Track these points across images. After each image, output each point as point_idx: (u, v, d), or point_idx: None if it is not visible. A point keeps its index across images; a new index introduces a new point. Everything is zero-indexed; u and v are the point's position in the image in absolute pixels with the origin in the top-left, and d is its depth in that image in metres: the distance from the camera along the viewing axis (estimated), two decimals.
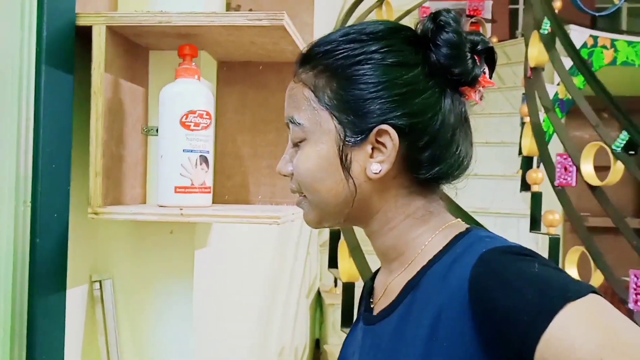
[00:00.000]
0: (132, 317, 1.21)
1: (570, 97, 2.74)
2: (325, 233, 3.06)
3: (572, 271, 2.40)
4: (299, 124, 0.69)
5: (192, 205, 1.03)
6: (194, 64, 1.05)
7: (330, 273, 2.76)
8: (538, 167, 2.98)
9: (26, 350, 0.91)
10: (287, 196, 1.23)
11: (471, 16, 4.53)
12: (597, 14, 4.16)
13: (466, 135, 0.71)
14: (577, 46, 3.86)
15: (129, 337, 1.21)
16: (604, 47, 4.09)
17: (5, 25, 0.90)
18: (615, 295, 2.23)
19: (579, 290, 0.53)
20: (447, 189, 0.73)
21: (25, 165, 0.90)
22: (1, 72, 0.89)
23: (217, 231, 1.34)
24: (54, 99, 0.93)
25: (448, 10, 0.68)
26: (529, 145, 2.91)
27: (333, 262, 2.61)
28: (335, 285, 3.14)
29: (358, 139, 0.66)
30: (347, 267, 1.99)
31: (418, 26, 0.69)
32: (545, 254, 2.61)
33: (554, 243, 2.58)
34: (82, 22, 0.98)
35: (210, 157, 1.06)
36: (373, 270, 0.87)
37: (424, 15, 4.33)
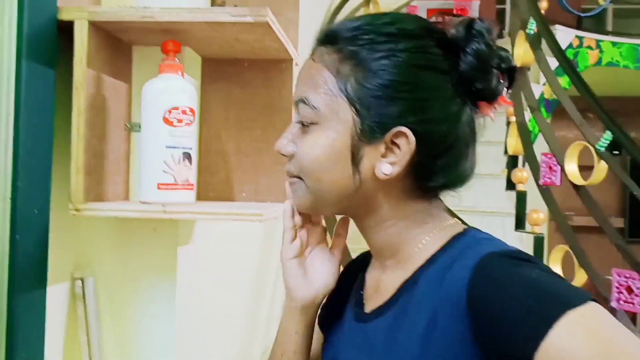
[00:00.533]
0: (114, 315, 1.20)
1: (555, 97, 2.76)
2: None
3: (556, 270, 2.42)
4: (313, 106, 0.66)
5: (175, 202, 1.02)
6: (177, 59, 1.05)
7: None
8: (523, 166, 3.00)
9: (5, 348, 0.90)
10: (271, 193, 1.23)
11: (458, 16, 4.54)
12: (582, 15, 4.20)
13: (474, 148, 0.69)
14: (563, 46, 3.89)
15: (111, 335, 1.20)
16: (589, 47, 4.13)
17: None
18: (598, 294, 2.25)
19: (578, 298, 0.53)
20: None
21: (5, 160, 0.89)
22: None
23: (201, 228, 1.34)
24: (35, 94, 0.92)
25: (482, 20, 0.66)
26: (514, 145, 2.93)
27: None
28: None
29: (374, 136, 0.64)
30: None
31: (447, 28, 0.67)
32: (529, 252, 2.62)
33: (538, 242, 2.60)
34: (64, 16, 0.96)
35: (194, 154, 1.06)
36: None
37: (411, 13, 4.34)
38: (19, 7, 0.90)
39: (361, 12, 3.49)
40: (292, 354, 0.77)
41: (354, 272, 0.81)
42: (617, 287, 2.16)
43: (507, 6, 5.46)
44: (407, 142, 0.64)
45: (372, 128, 0.64)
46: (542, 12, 3.05)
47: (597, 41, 4.17)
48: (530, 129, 2.98)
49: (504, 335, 0.54)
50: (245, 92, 1.25)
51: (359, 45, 0.65)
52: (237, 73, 1.25)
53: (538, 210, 2.63)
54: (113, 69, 1.08)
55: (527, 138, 2.83)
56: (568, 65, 2.65)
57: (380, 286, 0.71)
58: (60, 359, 1.10)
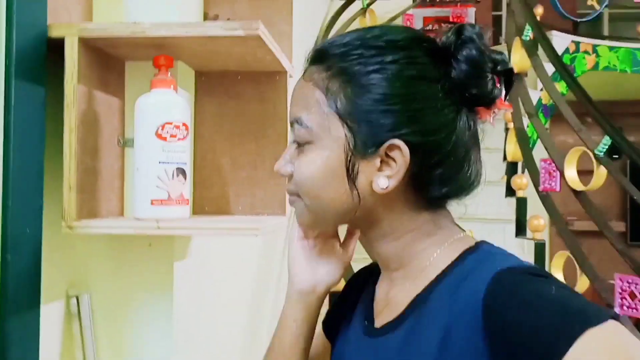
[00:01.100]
0: (110, 332, 1.18)
1: (553, 103, 2.76)
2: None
3: (558, 276, 2.40)
4: (306, 126, 0.66)
5: (169, 217, 1.01)
6: (169, 74, 1.04)
7: None
8: (523, 172, 2.99)
9: None
10: (267, 207, 1.22)
11: (454, 23, 4.56)
12: (578, 20, 4.21)
13: (477, 154, 0.68)
14: (560, 52, 3.90)
15: (107, 353, 1.18)
16: (586, 52, 4.13)
17: None
18: (601, 299, 2.24)
19: (598, 315, 0.52)
20: None
21: None
22: None
23: (198, 243, 1.32)
24: (25, 112, 0.91)
25: (473, 25, 0.65)
26: (513, 151, 2.92)
27: None
28: None
29: (368, 150, 0.64)
30: None
31: (438, 36, 0.67)
32: (531, 259, 2.61)
33: (539, 248, 2.59)
34: (54, 33, 0.96)
35: (188, 169, 1.05)
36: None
37: (407, 22, 4.36)
38: (8, 24, 0.89)
39: (357, 21, 3.50)
40: (287, 345, 0.77)
41: (362, 283, 0.80)
42: (620, 293, 2.14)
43: (504, 13, 5.49)
44: (401, 155, 0.63)
45: (365, 143, 0.64)
46: (538, 18, 3.06)
47: (594, 46, 4.18)
48: (529, 134, 2.98)
49: (522, 351, 0.53)
50: (239, 105, 1.24)
51: (348, 61, 0.65)
52: (230, 86, 1.24)
53: (538, 217, 2.62)
54: (105, 84, 1.07)
55: (525, 144, 2.82)
56: (564, 71, 2.65)
57: (390, 300, 0.70)
58: None
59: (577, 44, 4.11)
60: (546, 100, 3.60)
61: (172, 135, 1.01)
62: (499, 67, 0.66)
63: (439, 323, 0.61)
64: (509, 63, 0.68)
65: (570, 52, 4.09)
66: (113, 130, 1.10)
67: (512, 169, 3.07)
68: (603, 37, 4.50)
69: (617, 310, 2.11)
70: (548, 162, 2.55)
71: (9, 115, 0.88)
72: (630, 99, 5.48)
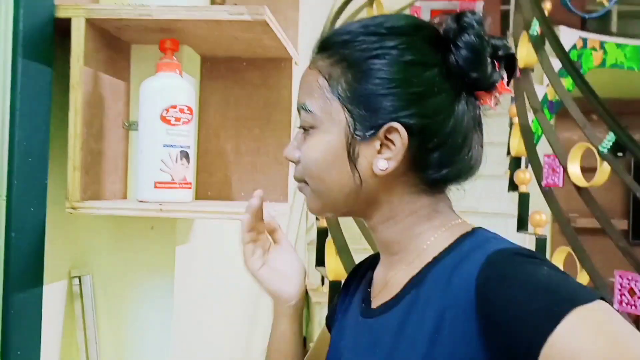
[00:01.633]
0: (111, 313, 1.20)
1: (559, 98, 2.75)
2: (313, 231, 3.06)
3: None
4: (309, 111, 0.68)
5: (172, 200, 1.02)
6: (175, 58, 1.05)
7: (317, 271, 2.76)
8: (526, 167, 2.99)
9: (1, 347, 0.90)
10: (269, 193, 1.23)
11: None
12: (587, 16, 4.18)
13: (478, 139, 0.69)
14: (567, 47, 3.87)
15: (108, 333, 1.20)
16: (594, 48, 4.11)
17: None
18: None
19: (587, 295, 0.53)
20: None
21: (1, 158, 0.89)
22: None
23: (199, 227, 1.33)
24: (32, 92, 0.92)
25: (473, 12, 0.66)
26: (517, 146, 2.92)
27: (320, 261, 2.61)
28: (322, 284, 3.13)
29: (367, 133, 0.65)
30: (334, 265, 1.99)
31: (441, 25, 0.68)
32: None
33: (540, 243, 2.58)
34: (61, 14, 0.96)
35: (191, 153, 1.05)
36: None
37: (415, 14, 4.35)
38: (15, 4, 0.89)
39: (364, 12, 3.49)
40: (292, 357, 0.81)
41: (362, 274, 0.81)
42: (620, 289, 2.14)
43: (512, 7, 5.46)
44: (399, 137, 0.64)
45: (365, 126, 0.65)
46: (546, 13, 3.04)
47: (602, 42, 4.15)
48: (534, 130, 2.97)
49: (511, 329, 0.54)
50: (244, 91, 1.24)
51: (350, 48, 0.67)
52: (236, 72, 1.25)
53: (540, 212, 2.62)
54: (111, 67, 1.07)
55: (530, 139, 2.81)
56: (571, 67, 2.63)
57: (387, 282, 0.72)
58: (57, 358, 1.10)
59: (585, 40, 4.08)
60: (552, 96, 3.59)
61: (176, 119, 1.02)
62: (500, 52, 0.67)
63: (434, 304, 0.62)
64: (510, 48, 0.69)
65: (578, 48, 4.06)
66: (118, 113, 1.11)
67: (515, 163, 3.06)
68: (611, 34, 4.46)
69: (615, 306, 2.12)
70: (552, 157, 2.54)
71: (15, 94, 0.89)
72: (637, 97, 5.45)
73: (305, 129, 0.70)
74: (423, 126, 0.65)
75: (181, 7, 0.98)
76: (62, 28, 0.97)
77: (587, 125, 2.42)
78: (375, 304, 0.72)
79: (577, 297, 0.53)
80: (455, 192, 0.72)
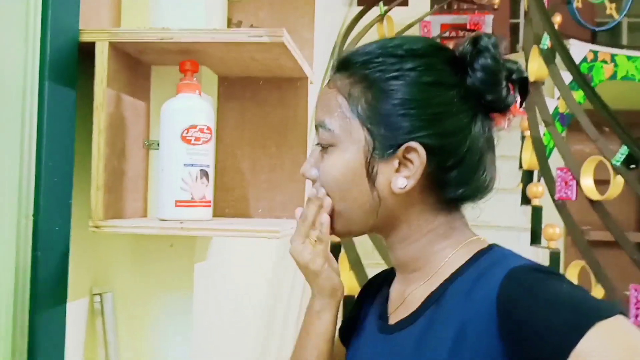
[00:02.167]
0: (132, 330, 1.21)
1: (570, 112, 2.75)
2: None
3: None
4: (329, 129, 0.70)
5: (192, 218, 1.04)
6: (195, 79, 1.07)
7: None
8: (539, 180, 2.99)
9: None
10: (286, 210, 1.24)
11: (472, 30, 4.56)
12: (597, 29, 4.19)
13: (492, 159, 0.71)
14: (577, 61, 3.88)
15: (128, 350, 1.21)
16: (604, 61, 4.11)
17: (9, 40, 0.91)
18: None
19: (607, 310, 0.55)
20: None
21: (28, 179, 0.91)
22: (5, 86, 0.91)
23: (218, 245, 1.35)
24: (57, 114, 0.94)
25: (489, 35, 0.68)
26: (529, 159, 2.92)
27: None
28: None
29: (386, 152, 0.67)
30: (347, 280, 2.00)
31: (458, 48, 0.70)
32: None
33: (554, 257, 2.58)
34: (85, 38, 0.99)
35: (211, 171, 1.07)
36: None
37: (425, 29, 4.37)
38: (42, 29, 0.92)
39: (375, 28, 3.52)
40: (324, 342, 0.79)
41: (376, 289, 0.82)
42: (635, 303, 2.13)
43: (521, 20, 5.47)
44: (418, 156, 0.66)
45: (384, 145, 0.67)
46: (556, 26, 3.06)
47: (612, 55, 4.15)
48: (545, 143, 2.97)
49: (534, 344, 0.55)
50: (260, 110, 1.27)
51: (370, 69, 0.69)
52: (252, 91, 1.27)
53: (554, 225, 2.61)
54: (132, 88, 1.10)
55: (542, 152, 2.82)
56: (582, 80, 2.64)
57: (405, 299, 0.73)
58: None
59: (596, 53, 4.09)
60: (563, 109, 3.59)
61: (196, 139, 1.04)
62: (514, 76, 0.69)
63: (453, 320, 0.63)
64: (524, 72, 0.70)
65: (588, 60, 4.07)
66: (139, 133, 1.13)
67: (528, 177, 3.06)
68: (621, 47, 4.46)
69: (632, 321, 2.11)
70: (564, 170, 2.54)
71: (42, 116, 0.91)
72: None
73: (324, 147, 0.71)
74: (441, 146, 0.66)
75: (202, 30, 1.00)
76: (86, 51, 0.99)
77: (599, 138, 2.43)
78: (393, 320, 0.73)
79: (598, 312, 0.54)
80: (467, 206, 0.74)
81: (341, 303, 0.81)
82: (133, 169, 1.11)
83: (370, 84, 0.68)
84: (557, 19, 3.75)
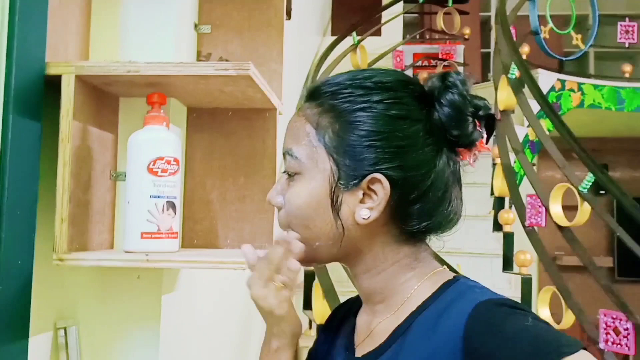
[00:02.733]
0: None
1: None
2: (300, 275, 3.05)
3: (544, 311, 2.42)
4: (295, 157, 0.70)
5: (158, 250, 1.03)
6: (162, 111, 1.08)
7: (304, 315, 2.74)
8: (510, 207, 3.03)
9: None
10: (255, 240, 1.24)
11: (443, 59, 4.65)
12: (564, 59, 4.30)
13: (458, 193, 0.72)
14: (546, 89, 3.98)
15: None
16: (572, 90, 4.22)
17: None
18: (586, 334, 2.25)
19: (571, 345, 0.56)
20: None
21: None
22: None
23: (186, 276, 1.34)
24: (21, 147, 0.94)
25: (457, 72, 0.70)
26: (500, 186, 2.96)
27: (307, 304, 2.60)
28: (310, 327, 3.11)
29: (351, 183, 0.68)
30: (321, 308, 1.99)
31: (427, 83, 0.71)
32: (518, 294, 2.63)
33: (526, 283, 2.60)
34: (52, 71, 0.99)
35: (178, 203, 1.07)
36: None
37: (398, 58, 4.43)
38: (7, 61, 0.92)
39: (348, 57, 3.57)
40: None
41: (342, 317, 0.82)
42: (605, 328, 2.16)
43: (492, 50, 5.61)
44: (382, 188, 0.67)
45: (349, 175, 0.68)
46: (524, 56, 3.14)
47: (579, 84, 4.27)
48: (516, 170, 3.03)
49: None
50: (229, 141, 1.27)
51: (338, 99, 0.70)
52: (221, 122, 1.28)
53: (525, 252, 2.64)
54: (99, 120, 1.10)
55: (512, 180, 2.86)
56: (548, 108, 2.71)
57: (371, 331, 0.73)
58: None
59: (563, 82, 4.20)
60: (533, 136, 3.66)
61: (163, 170, 1.04)
62: (480, 112, 0.70)
63: (419, 353, 0.64)
64: (490, 108, 0.72)
65: (557, 89, 4.17)
66: (106, 164, 1.13)
67: (499, 204, 3.10)
68: (588, 76, 4.59)
69: (601, 345, 2.13)
70: (534, 197, 2.59)
71: (6, 149, 0.91)
72: (615, 136, 5.58)
73: (290, 175, 0.72)
74: (405, 178, 0.67)
75: (169, 63, 1.01)
76: (52, 83, 0.99)
77: (566, 166, 2.48)
78: (359, 352, 0.73)
79: (562, 347, 0.56)
80: (438, 236, 0.74)
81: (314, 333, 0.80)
82: (99, 200, 1.10)
83: (338, 115, 0.69)
84: (525, 49, 3.85)
